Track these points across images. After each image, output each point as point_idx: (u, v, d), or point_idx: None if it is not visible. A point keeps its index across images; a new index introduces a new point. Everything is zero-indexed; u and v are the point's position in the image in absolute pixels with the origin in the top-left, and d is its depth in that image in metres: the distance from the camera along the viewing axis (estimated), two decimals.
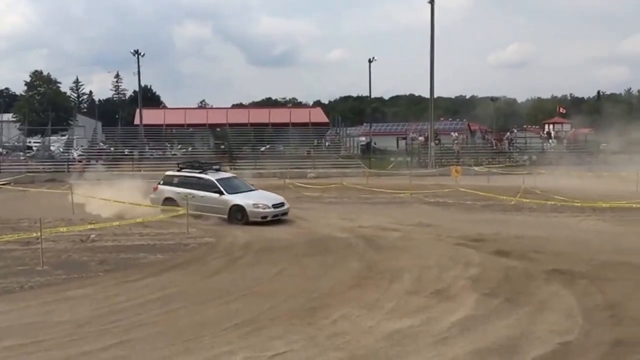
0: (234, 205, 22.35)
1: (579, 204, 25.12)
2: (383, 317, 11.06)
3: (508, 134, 68.35)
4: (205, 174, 24.00)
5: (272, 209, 22.39)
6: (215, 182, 23.22)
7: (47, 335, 10.41)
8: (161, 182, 24.84)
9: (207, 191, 23.03)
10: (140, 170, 46.24)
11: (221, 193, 22.79)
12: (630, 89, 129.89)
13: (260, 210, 22.23)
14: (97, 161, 51.32)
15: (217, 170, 24.95)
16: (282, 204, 22.98)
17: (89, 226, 20.07)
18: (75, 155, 56.90)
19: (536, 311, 11.28)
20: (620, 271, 14.21)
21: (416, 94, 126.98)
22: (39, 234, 16.26)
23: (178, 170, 25.12)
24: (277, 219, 22.37)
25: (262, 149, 61.38)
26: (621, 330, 10.13)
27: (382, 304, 11.91)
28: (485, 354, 9.07)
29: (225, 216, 22.31)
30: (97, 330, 10.67)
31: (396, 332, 10.17)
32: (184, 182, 24.00)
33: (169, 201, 23.51)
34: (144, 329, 10.75)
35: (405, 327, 10.42)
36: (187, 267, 15.86)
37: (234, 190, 23.13)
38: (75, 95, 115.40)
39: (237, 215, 22.18)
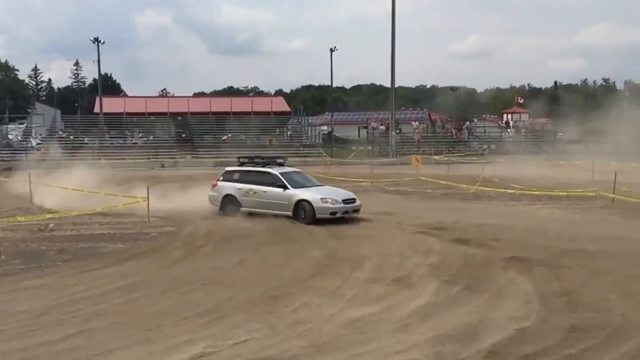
0: (300, 200, 20.17)
1: (536, 192, 25.61)
2: (344, 305, 11.11)
3: (467, 123, 69.29)
4: (269, 167, 22.01)
5: (341, 205, 20.16)
6: (279, 175, 21.17)
7: (5, 326, 10.23)
8: (220, 178, 22.69)
9: (270, 186, 21.00)
10: (100, 159, 45.64)
11: (285, 187, 20.67)
12: (587, 79, 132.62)
13: (329, 205, 19.94)
14: (56, 150, 50.44)
15: (281, 164, 22.85)
16: (353, 200, 20.74)
17: (48, 215, 19.75)
18: (34, 143, 55.88)
19: (494, 298, 11.45)
20: (577, 258, 14.52)
21: (377, 84, 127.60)
22: None
23: (239, 165, 23.05)
24: (347, 216, 20.28)
25: (224, 137, 61.08)
26: (577, 316, 10.35)
27: (344, 291, 11.97)
28: (445, 341, 9.18)
29: (290, 213, 20.31)
30: (55, 320, 10.52)
31: (357, 319, 10.23)
32: (245, 178, 21.92)
33: (228, 198, 21.83)
34: (103, 319, 10.63)
35: (366, 314, 10.49)
36: (148, 257, 15.72)
37: (299, 185, 21.05)
38: (34, 83, 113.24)
39: (302, 212, 20.03)
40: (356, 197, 21.05)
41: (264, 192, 21.01)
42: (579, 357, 8.63)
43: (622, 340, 9.31)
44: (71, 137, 59.73)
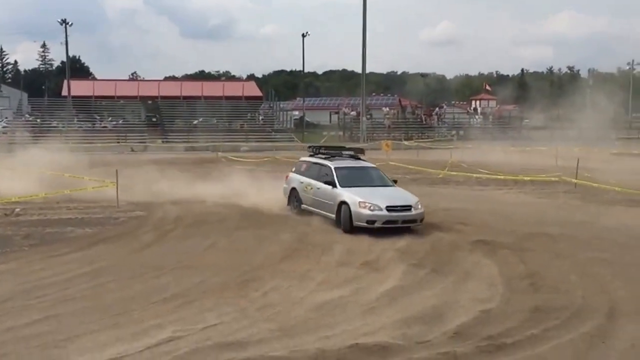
0: (342, 202, 16.55)
1: (502, 177, 26.00)
2: (314, 288, 11.22)
3: (437, 109, 69.73)
4: (330, 159, 18.69)
5: (384, 212, 15.86)
6: (333, 169, 17.78)
7: None
8: (293, 169, 20.22)
9: (323, 182, 17.79)
10: (68, 143, 45.07)
11: (334, 185, 17.19)
12: (552, 67, 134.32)
13: (367, 212, 15.91)
14: (22, 133, 49.67)
15: (352, 155, 19.51)
16: (408, 207, 16.18)
17: (13, 199, 19.49)
18: None
19: (460, 280, 11.68)
20: (540, 242, 14.85)
21: (349, 69, 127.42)
22: None
23: (310, 155, 20.10)
24: (394, 226, 15.92)
25: (195, 122, 60.64)
26: (539, 298, 10.61)
27: (313, 275, 12.07)
28: (412, 323, 9.34)
29: (333, 216, 16.92)
30: (21, 306, 10.44)
31: (326, 302, 10.35)
32: (310, 170, 19.06)
33: (293, 192, 19.23)
34: (71, 304, 10.59)
35: (335, 297, 10.61)
36: (117, 241, 15.63)
37: (354, 184, 17.13)
38: None
39: (342, 216, 16.48)
40: (415, 204, 16.34)
41: (318, 188, 17.96)
42: (541, 337, 8.86)
43: (583, 320, 9.59)
44: (38, 120, 58.81)
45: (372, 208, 15.83)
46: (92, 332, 9.21)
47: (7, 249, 14.62)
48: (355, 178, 17.52)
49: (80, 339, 8.99)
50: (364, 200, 15.99)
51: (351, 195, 16.34)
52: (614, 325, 9.56)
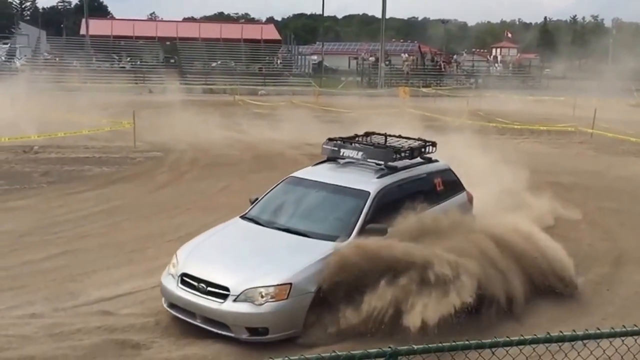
0: None
1: (518, 127, 25.89)
2: None
3: (456, 57, 68.87)
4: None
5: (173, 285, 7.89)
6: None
7: None
8: None
9: None
10: (86, 82, 45.18)
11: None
12: (576, 16, 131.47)
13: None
14: (40, 71, 49.78)
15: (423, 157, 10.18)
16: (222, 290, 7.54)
17: (33, 137, 19.76)
18: (18, 64, 54.99)
19: None
20: (552, 191, 14.84)
21: (370, 14, 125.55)
22: None
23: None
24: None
25: (213, 64, 60.34)
26: None
27: None
28: None
29: None
30: (39, 241, 10.77)
31: None
32: None
33: None
34: (87, 240, 10.89)
35: None
36: (133, 181, 15.91)
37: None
38: (18, 2, 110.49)
39: None
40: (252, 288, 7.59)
41: None
42: None
43: (589, 267, 9.73)
44: (57, 59, 58.80)
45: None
46: (108, 267, 9.52)
47: (25, 185, 14.94)
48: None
49: (96, 274, 9.30)
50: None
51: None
52: (619, 273, 9.72)
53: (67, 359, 6.81)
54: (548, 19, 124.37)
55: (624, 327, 4.39)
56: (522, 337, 4.27)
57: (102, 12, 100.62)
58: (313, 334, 7.29)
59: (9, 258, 9.87)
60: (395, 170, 9.19)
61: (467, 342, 4.22)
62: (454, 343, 4.14)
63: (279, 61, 65.29)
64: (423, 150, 9.91)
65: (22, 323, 7.63)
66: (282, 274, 7.40)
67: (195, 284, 7.59)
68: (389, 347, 3.89)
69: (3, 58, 58.12)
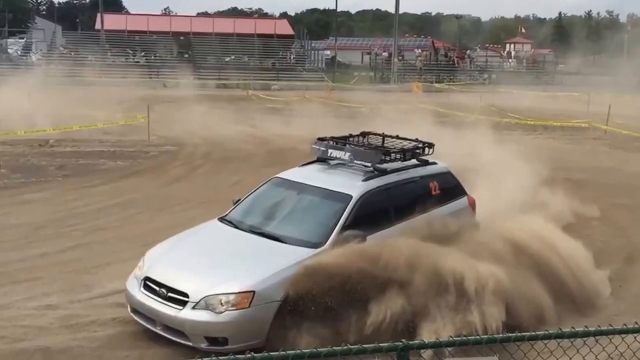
0: None
1: (531, 122, 25.80)
2: None
3: (469, 52, 68.61)
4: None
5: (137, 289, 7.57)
6: None
7: (4, 237, 10.60)
8: None
9: None
10: (101, 77, 45.42)
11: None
12: (590, 11, 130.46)
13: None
14: (56, 66, 50.02)
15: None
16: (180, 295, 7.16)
17: (48, 130, 19.91)
18: (34, 59, 55.35)
19: None
20: (564, 187, 14.78)
21: (382, 9, 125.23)
22: None
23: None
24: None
25: (227, 59, 60.46)
26: None
27: None
28: None
29: None
30: (54, 234, 10.89)
31: None
32: None
33: None
34: (101, 233, 11.01)
35: None
36: (147, 175, 16.02)
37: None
38: None
39: None
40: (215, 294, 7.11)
41: None
42: None
43: (602, 264, 9.66)
44: (72, 53, 59.12)
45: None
46: (122, 260, 9.58)
47: (41, 178, 15.09)
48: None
49: (110, 266, 9.39)
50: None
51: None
52: (632, 270, 9.71)
53: (82, 350, 6.92)
54: (562, 14, 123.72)
55: (637, 323, 4.39)
56: (534, 333, 4.28)
57: (117, 7, 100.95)
58: (277, 346, 5.80)
59: (25, 250, 10.00)
60: (384, 173, 8.64)
61: (478, 337, 4.25)
62: (465, 338, 4.17)
63: (292, 56, 65.28)
64: (417, 151, 9.27)
65: (37, 314, 7.75)
66: (245, 281, 6.97)
67: (157, 288, 7.22)
68: (401, 342, 3.92)
69: (19, 52, 58.54)
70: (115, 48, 61.45)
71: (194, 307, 6.92)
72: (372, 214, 8.12)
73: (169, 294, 7.10)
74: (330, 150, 9.00)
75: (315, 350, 3.72)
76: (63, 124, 21.55)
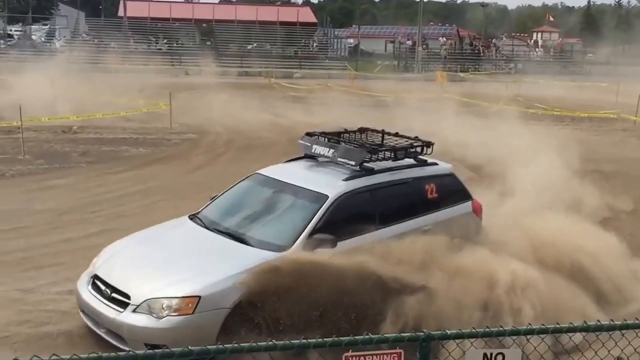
0: None
1: (558, 113, 25.46)
2: None
3: (495, 41, 67.91)
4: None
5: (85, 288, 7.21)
6: None
7: (28, 222, 10.70)
8: None
9: None
10: (124, 64, 45.64)
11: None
12: (620, 0, 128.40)
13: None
14: (79, 53, 50.35)
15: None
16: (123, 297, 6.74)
17: (72, 117, 20.06)
18: (57, 45, 55.74)
19: None
20: (591, 179, 14.60)
21: None
22: (19, 123, 16.29)
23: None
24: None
25: (249, 47, 60.46)
26: None
27: None
28: None
29: None
30: (78, 219, 10.97)
31: None
32: None
33: None
34: (124, 220, 11.07)
35: None
36: (169, 162, 16.10)
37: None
38: None
39: None
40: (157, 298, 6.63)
41: None
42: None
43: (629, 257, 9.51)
44: (95, 40, 59.47)
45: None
46: None
47: (65, 164, 15.22)
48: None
49: None
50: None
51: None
52: None
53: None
54: (592, 3, 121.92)
55: None
56: (558, 326, 4.21)
57: None
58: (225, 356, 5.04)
59: (50, 235, 10.10)
60: (371, 172, 7.92)
61: (501, 329, 4.19)
62: (487, 329, 4.11)
63: (314, 44, 65.11)
64: (412, 150, 8.43)
65: (60, 299, 7.83)
66: (191, 285, 6.41)
67: (103, 288, 6.78)
68: (423, 332, 3.87)
69: (43, 39, 59.00)
70: (137, 35, 61.73)
71: (134, 310, 6.43)
72: (350, 217, 7.45)
73: (112, 295, 6.66)
74: (314, 147, 8.34)
75: (337, 339, 3.69)
76: (86, 111, 21.69)
